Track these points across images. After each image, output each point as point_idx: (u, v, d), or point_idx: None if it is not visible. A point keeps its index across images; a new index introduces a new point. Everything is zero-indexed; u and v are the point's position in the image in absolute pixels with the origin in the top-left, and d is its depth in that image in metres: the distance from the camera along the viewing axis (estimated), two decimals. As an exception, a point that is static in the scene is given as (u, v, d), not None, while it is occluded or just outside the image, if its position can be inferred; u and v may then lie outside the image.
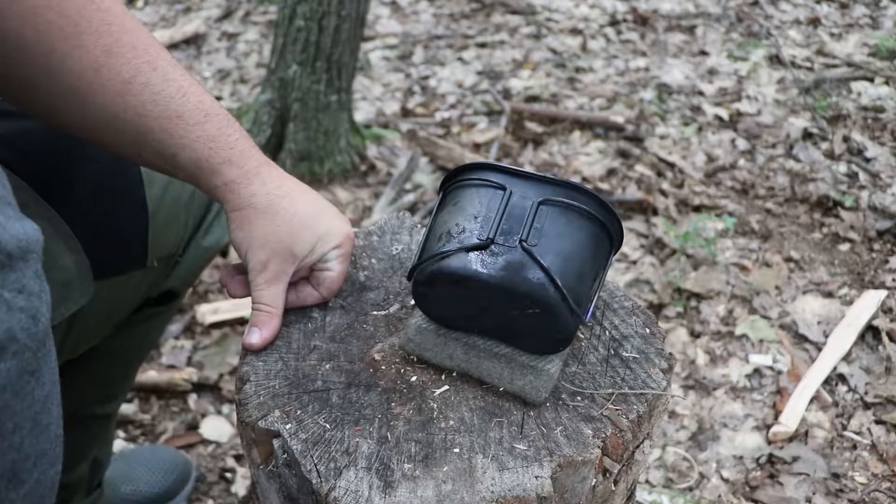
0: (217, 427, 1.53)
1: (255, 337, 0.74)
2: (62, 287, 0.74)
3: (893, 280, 1.86)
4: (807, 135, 2.47)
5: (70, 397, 0.56)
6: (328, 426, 0.67)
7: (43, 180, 0.77)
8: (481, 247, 0.67)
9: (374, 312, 0.80)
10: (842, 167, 2.29)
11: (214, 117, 0.72)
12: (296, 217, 0.74)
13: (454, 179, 0.75)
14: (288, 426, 0.66)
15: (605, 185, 2.22)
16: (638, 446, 0.72)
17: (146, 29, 0.72)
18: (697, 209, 2.12)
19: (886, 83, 2.75)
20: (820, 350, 1.67)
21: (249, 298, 0.77)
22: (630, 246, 1.99)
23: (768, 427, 1.51)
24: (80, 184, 0.82)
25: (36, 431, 0.51)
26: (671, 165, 2.33)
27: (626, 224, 2.02)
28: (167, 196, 0.90)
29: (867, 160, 2.32)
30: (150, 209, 0.88)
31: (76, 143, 0.82)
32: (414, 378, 0.73)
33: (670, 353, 0.76)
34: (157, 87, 0.69)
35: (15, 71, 0.67)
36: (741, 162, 2.35)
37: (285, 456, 0.65)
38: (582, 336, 0.78)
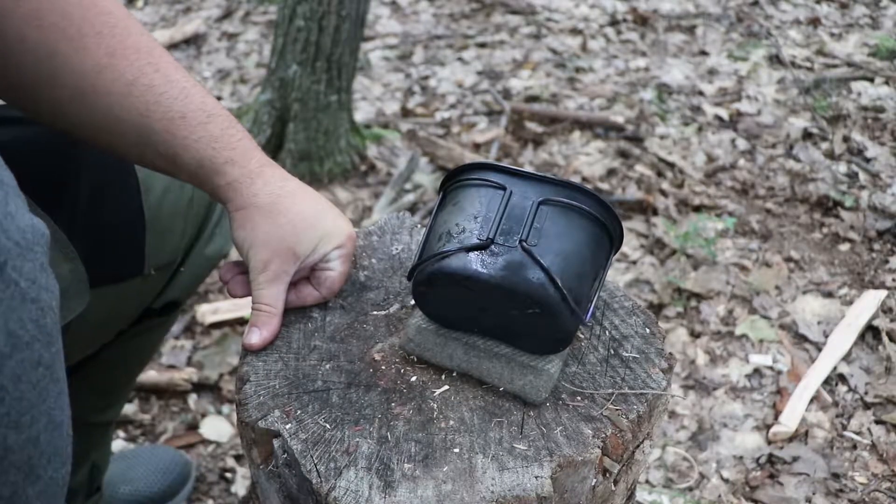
0: (217, 427, 1.53)
1: (255, 337, 0.74)
2: None
3: (893, 280, 1.86)
4: (807, 135, 2.47)
5: (70, 405, 0.56)
6: (328, 426, 0.67)
7: (38, 188, 0.76)
8: (481, 247, 0.67)
9: (375, 312, 0.80)
10: (842, 167, 2.29)
11: (217, 118, 0.72)
12: (298, 217, 0.74)
13: (454, 179, 0.75)
14: (288, 426, 0.66)
15: (605, 185, 2.22)
16: (638, 446, 0.72)
17: (148, 31, 0.72)
18: (697, 209, 2.12)
19: (886, 83, 2.75)
20: (820, 350, 1.67)
21: (249, 298, 0.77)
22: (630, 246, 1.99)
23: (768, 427, 1.51)
24: (76, 192, 0.82)
25: (51, 428, 0.50)
26: (671, 165, 2.33)
27: (626, 224, 2.02)
28: (164, 204, 0.90)
29: (867, 160, 2.32)
30: (146, 217, 0.88)
31: (73, 151, 0.81)
32: (414, 378, 0.73)
33: (670, 353, 0.77)
34: (161, 89, 0.69)
35: (18, 73, 0.67)
36: (741, 162, 2.35)
37: (285, 456, 0.65)
38: (582, 336, 0.78)
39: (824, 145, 2.40)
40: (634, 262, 1.95)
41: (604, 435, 0.67)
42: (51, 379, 0.50)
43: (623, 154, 2.37)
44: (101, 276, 0.81)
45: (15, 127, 0.80)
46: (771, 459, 1.45)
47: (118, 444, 1.47)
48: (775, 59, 2.95)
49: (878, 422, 1.52)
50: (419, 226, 0.93)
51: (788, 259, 1.95)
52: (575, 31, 3.22)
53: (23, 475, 0.48)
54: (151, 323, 1.01)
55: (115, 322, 0.94)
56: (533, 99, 2.72)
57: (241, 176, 0.73)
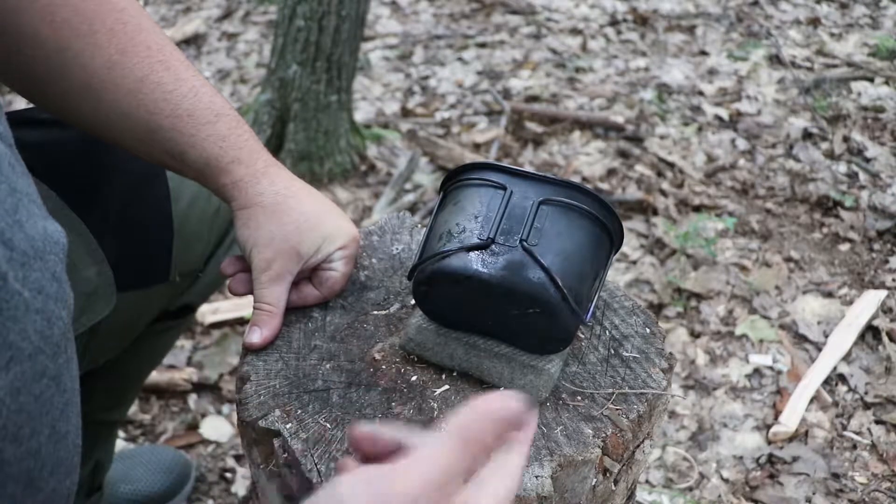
0: (217, 427, 1.53)
1: (256, 336, 0.74)
2: (85, 298, 0.74)
3: (893, 280, 1.86)
4: (807, 135, 2.47)
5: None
6: (328, 426, 0.67)
7: (70, 190, 0.77)
8: (482, 246, 0.67)
9: (375, 312, 0.80)
10: (842, 167, 2.29)
11: (225, 117, 0.72)
12: (302, 217, 0.74)
13: (454, 179, 0.75)
14: (288, 426, 0.66)
15: (605, 185, 2.22)
16: (638, 446, 0.72)
17: (161, 29, 0.73)
18: (697, 209, 2.12)
19: (886, 83, 2.75)
20: (820, 350, 1.67)
21: (250, 297, 0.77)
22: (630, 246, 1.99)
23: (768, 427, 1.51)
24: (108, 196, 0.83)
25: (54, 439, 0.49)
26: (671, 165, 2.33)
27: (626, 224, 2.02)
28: (193, 212, 0.91)
29: (867, 160, 2.32)
30: (175, 224, 0.88)
31: (106, 155, 0.82)
32: (414, 377, 0.73)
33: (670, 353, 0.77)
34: (170, 87, 0.70)
35: (30, 67, 0.68)
36: (741, 162, 2.35)
37: (286, 455, 0.65)
38: (582, 336, 0.78)
39: (824, 145, 2.40)
40: (634, 262, 1.95)
41: (604, 434, 0.67)
42: (56, 390, 0.48)
43: (623, 154, 2.37)
44: (129, 281, 0.82)
45: (49, 129, 0.80)
46: (771, 459, 1.45)
47: (118, 444, 1.47)
48: (775, 59, 2.95)
49: (878, 422, 1.52)
50: (419, 226, 0.93)
51: (788, 259, 1.95)
52: (575, 31, 3.22)
53: (22, 487, 0.47)
54: (165, 325, 1.01)
55: (138, 325, 0.94)
56: (533, 99, 2.72)
57: (246, 175, 0.73)
